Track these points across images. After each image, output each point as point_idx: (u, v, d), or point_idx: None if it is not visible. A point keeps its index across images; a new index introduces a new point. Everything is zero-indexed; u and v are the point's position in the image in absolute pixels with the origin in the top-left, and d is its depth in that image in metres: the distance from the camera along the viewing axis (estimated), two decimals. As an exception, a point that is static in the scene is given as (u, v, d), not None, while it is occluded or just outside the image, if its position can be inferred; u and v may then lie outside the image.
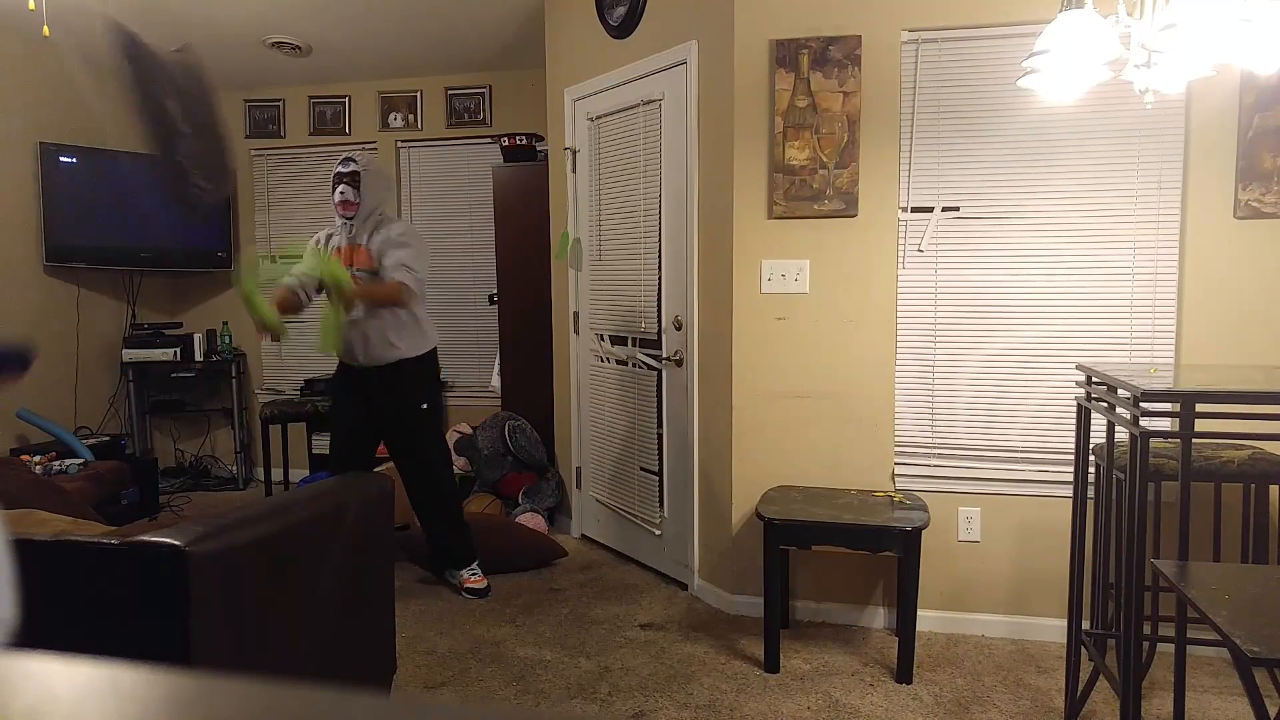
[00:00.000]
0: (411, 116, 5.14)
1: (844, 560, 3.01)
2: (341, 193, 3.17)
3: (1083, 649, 2.34)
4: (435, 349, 3.32)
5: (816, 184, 2.93)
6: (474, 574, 3.36)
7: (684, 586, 3.37)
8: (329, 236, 3.27)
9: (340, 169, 3.19)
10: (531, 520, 3.94)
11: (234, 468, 5.35)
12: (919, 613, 2.88)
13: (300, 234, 5.34)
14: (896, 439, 2.97)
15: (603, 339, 3.81)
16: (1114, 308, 2.79)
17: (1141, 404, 1.81)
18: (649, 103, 3.42)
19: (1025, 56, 1.94)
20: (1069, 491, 2.77)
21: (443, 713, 0.35)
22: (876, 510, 2.68)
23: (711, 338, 3.17)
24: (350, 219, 3.17)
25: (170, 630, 1.57)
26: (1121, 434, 2.52)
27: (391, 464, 3.50)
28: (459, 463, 4.20)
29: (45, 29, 3.14)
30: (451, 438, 4.31)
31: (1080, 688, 2.31)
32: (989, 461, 2.91)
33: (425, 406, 3.26)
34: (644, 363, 3.54)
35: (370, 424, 3.30)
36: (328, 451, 3.62)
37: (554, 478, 4.22)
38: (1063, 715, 2.38)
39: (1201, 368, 2.50)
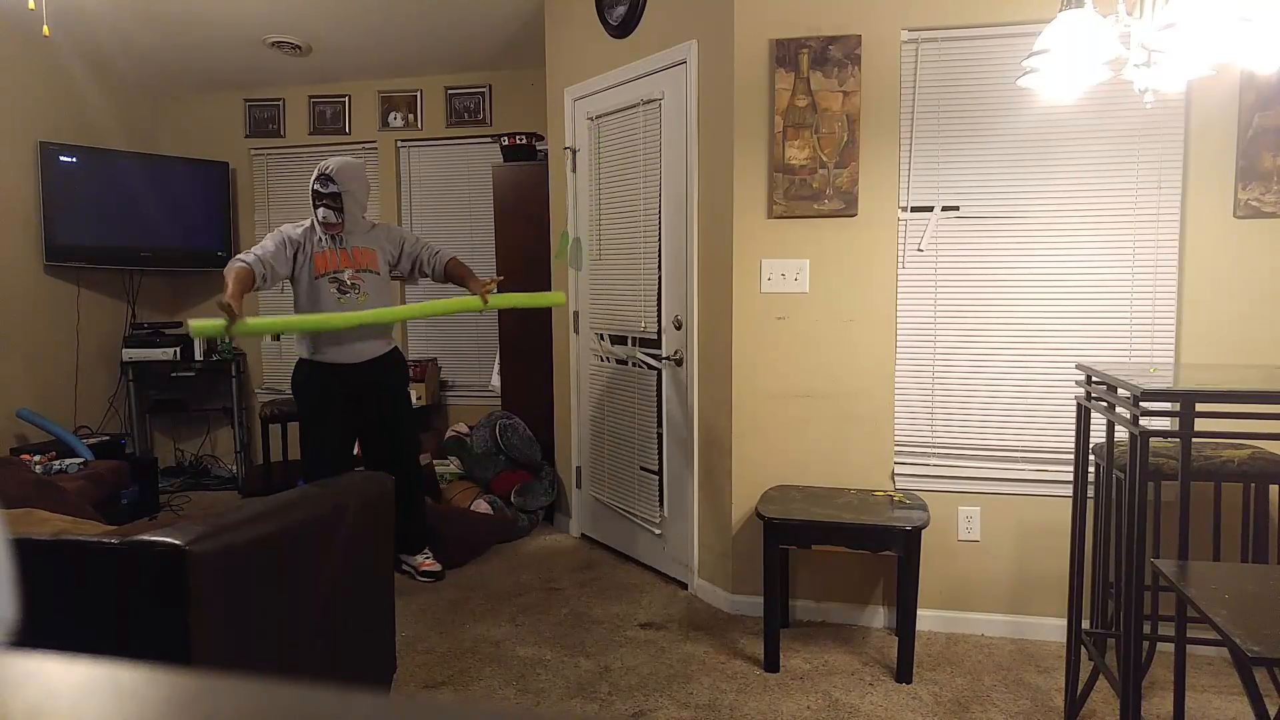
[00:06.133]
0: (411, 116, 5.14)
1: (844, 560, 3.01)
2: (324, 216, 3.16)
3: (1083, 648, 2.35)
4: None
5: (816, 183, 2.93)
6: (429, 557, 3.50)
7: (684, 586, 3.38)
8: (304, 238, 3.21)
9: (319, 188, 3.14)
10: (480, 507, 3.96)
11: (234, 467, 5.36)
12: (919, 612, 2.88)
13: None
14: (896, 438, 2.97)
15: (603, 338, 3.81)
16: (1114, 307, 2.79)
17: (1141, 403, 1.81)
18: (649, 102, 3.42)
19: (1025, 56, 1.94)
20: (1069, 491, 2.77)
21: (443, 713, 0.35)
22: (876, 510, 2.68)
23: (711, 337, 3.17)
24: (336, 236, 3.22)
25: (170, 629, 1.57)
26: (1121, 433, 2.53)
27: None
28: (452, 462, 4.22)
29: (45, 29, 3.14)
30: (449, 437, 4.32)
31: (1080, 687, 2.32)
32: (989, 461, 2.91)
33: (409, 390, 3.48)
34: (644, 362, 3.54)
35: (355, 426, 3.38)
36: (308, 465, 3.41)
37: (548, 476, 4.22)
38: (1062, 715, 2.38)
39: (1201, 367, 2.50)
